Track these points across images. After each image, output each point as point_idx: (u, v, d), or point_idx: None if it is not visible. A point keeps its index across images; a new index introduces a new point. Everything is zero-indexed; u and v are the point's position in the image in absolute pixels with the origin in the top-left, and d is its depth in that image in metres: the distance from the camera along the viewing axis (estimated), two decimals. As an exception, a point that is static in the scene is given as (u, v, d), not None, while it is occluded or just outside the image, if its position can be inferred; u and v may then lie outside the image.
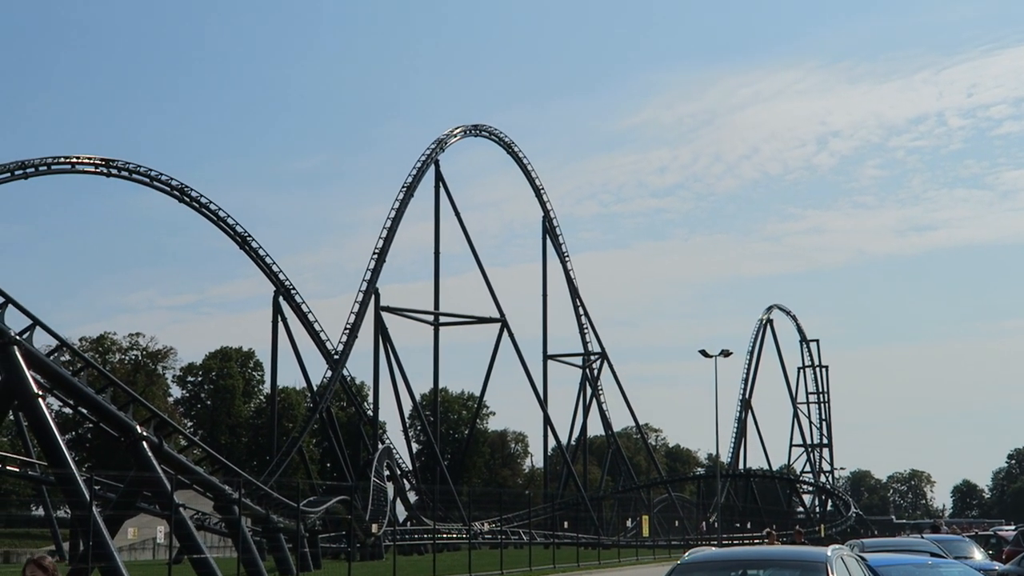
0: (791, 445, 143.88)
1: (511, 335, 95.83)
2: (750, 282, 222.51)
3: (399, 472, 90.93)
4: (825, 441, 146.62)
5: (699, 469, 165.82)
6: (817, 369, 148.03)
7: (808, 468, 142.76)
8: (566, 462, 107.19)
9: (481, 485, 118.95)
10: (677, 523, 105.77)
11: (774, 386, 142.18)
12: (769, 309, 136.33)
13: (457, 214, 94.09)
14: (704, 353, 63.29)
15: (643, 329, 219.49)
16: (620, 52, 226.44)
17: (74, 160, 73.82)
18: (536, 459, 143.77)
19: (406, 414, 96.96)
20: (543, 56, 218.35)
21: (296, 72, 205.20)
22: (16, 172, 69.93)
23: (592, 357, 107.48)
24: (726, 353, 63.65)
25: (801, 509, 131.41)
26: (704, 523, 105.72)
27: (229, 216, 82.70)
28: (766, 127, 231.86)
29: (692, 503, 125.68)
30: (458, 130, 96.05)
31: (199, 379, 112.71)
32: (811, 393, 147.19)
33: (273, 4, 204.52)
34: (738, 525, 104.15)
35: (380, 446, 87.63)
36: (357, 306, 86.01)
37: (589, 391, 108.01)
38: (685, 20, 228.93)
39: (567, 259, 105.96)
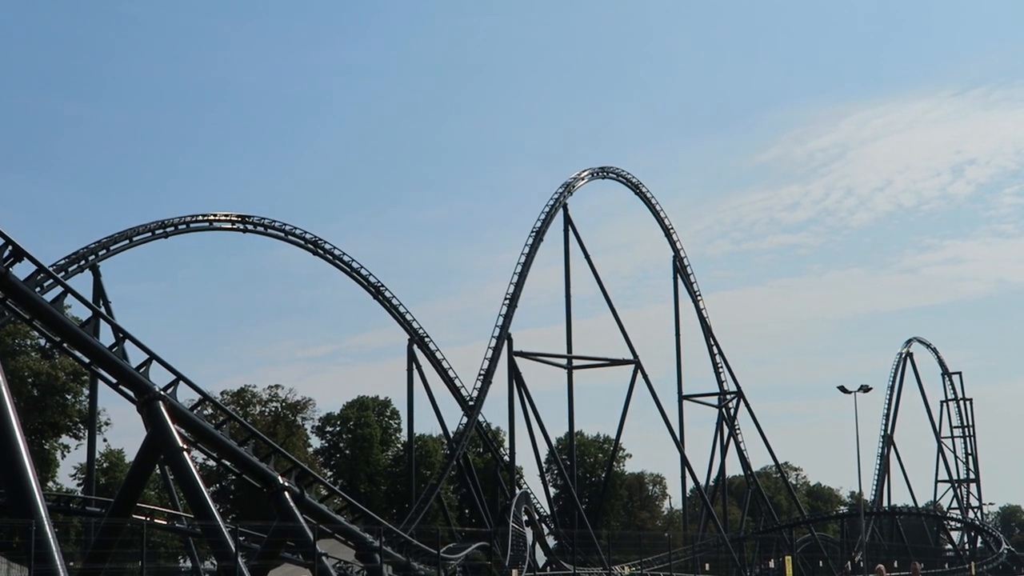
0: (936, 481, 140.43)
1: (645, 376, 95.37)
2: (888, 316, 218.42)
3: (537, 517, 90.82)
4: (972, 476, 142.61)
5: (842, 507, 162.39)
6: (961, 403, 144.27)
7: (955, 504, 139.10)
8: (705, 503, 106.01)
9: (620, 528, 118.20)
10: (821, 563, 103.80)
11: (916, 421, 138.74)
12: (908, 342, 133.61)
13: (587, 257, 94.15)
14: (843, 389, 62.23)
15: (779, 366, 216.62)
16: (748, 90, 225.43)
17: (212, 217, 75.62)
18: (674, 500, 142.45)
19: (542, 458, 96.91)
20: (670, 96, 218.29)
21: (424, 123, 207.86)
22: (156, 231, 71.81)
23: (728, 396, 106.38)
24: (865, 388, 62.49)
25: (949, 547, 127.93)
26: (849, 563, 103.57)
27: (363, 267, 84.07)
28: (899, 158, 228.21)
29: (836, 542, 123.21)
30: (585, 173, 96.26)
31: (337, 429, 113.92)
32: (955, 427, 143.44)
33: (397, 57, 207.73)
34: (882, 565, 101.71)
35: (518, 491, 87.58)
36: (490, 352, 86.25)
37: (726, 431, 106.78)
38: (813, 55, 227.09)
39: (699, 298, 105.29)
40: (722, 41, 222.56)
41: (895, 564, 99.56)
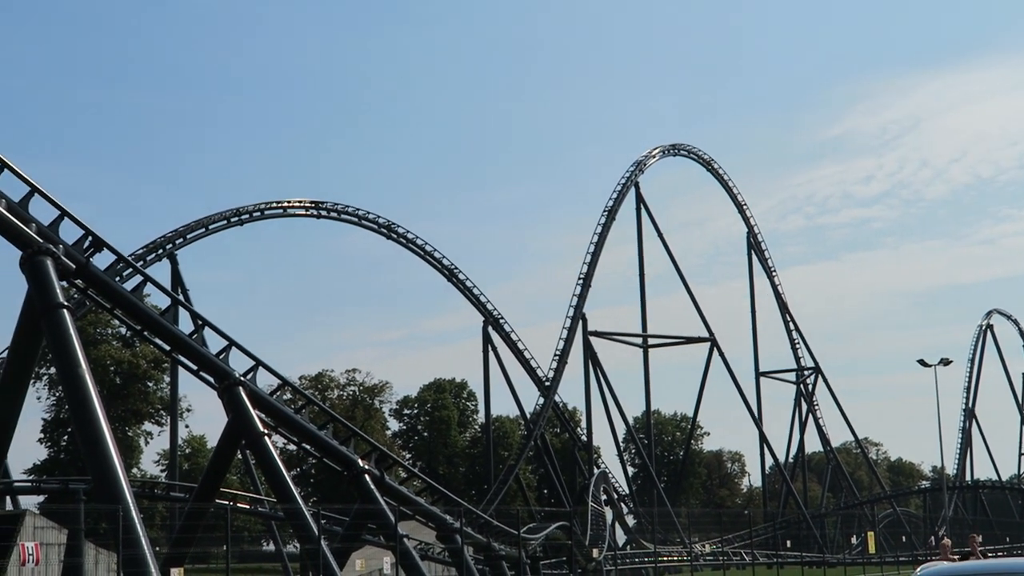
0: (1020, 453, 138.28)
1: (721, 354, 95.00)
2: (966, 288, 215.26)
3: (616, 496, 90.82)
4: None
5: (924, 482, 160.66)
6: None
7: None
8: (785, 480, 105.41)
9: (699, 506, 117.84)
10: (904, 539, 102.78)
11: (998, 393, 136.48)
12: (988, 314, 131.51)
13: (660, 235, 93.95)
14: (923, 363, 61.43)
15: (857, 341, 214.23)
16: (819, 63, 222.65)
17: (286, 204, 76.30)
18: (753, 478, 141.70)
19: (620, 437, 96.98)
20: (741, 71, 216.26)
21: (495, 105, 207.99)
22: (232, 219, 72.62)
23: (806, 372, 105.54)
24: (946, 362, 61.63)
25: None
26: (933, 538, 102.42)
27: (436, 250, 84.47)
28: (975, 128, 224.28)
29: (919, 517, 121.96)
30: (657, 150, 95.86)
31: (415, 411, 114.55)
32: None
33: (467, 39, 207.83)
34: (948, 540, 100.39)
35: (596, 471, 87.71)
36: (565, 332, 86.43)
37: (804, 407, 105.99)
38: (884, 26, 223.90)
39: (774, 274, 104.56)
40: (792, 14, 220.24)
41: (979, 539, 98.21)
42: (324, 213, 78.35)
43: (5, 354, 61.06)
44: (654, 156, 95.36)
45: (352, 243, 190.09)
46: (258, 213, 74.19)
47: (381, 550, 48.73)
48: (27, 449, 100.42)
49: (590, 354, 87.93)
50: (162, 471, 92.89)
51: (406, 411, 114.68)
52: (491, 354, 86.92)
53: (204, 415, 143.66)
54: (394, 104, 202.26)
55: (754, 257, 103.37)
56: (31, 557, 25.20)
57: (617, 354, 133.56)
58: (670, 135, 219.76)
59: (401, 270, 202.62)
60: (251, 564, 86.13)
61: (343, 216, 79.42)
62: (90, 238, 30.73)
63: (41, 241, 28.18)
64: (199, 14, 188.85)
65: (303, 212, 77.59)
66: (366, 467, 36.94)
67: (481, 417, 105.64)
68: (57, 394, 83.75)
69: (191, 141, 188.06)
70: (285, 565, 71.28)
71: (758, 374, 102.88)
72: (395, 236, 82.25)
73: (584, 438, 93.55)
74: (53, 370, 78.20)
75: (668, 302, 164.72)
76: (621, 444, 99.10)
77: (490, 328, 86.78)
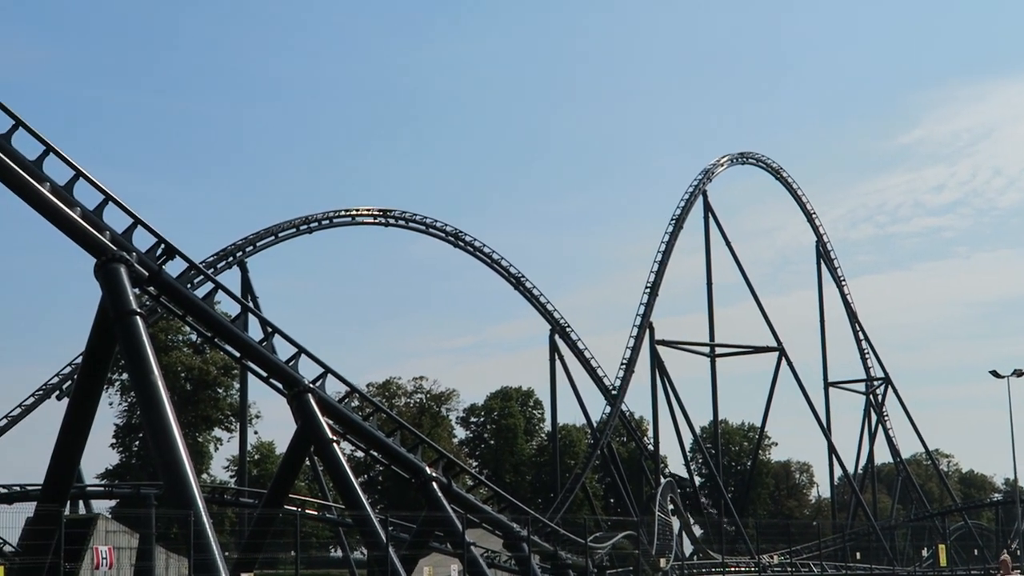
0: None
1: (790, 363, 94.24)
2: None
3: (683, 506, 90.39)
4: None
5: (996, 495, 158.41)
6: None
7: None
8: (854, 491, 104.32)
9: (767, 517, 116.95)
10: (976, 552, 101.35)
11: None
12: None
13: (728, 243, 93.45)
14: (995, 374, 60.61)
15: (928, 351, 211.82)
16: (890, 71, 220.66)
17: (354, 212, 76.75)
18: (822, 489, 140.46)
19: (687, 447, 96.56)
20: (810, 79, 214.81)
21: (559, 113, 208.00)
22: (301, 227, 73.17)
23: (875, 382, 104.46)
24: (1019, 373, 60.74)
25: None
26: (1005, 551, 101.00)
27: (503, 258, 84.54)
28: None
29: (991, 531, 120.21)
30: (725, 159, 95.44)
31: (481, 419, 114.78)
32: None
33: (536, 47, 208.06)
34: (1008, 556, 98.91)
35: (663, 480, 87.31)
36: (632, 341, 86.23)
37: (874, 417, 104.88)
38: (955, 33, 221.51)
39: (843, 283, 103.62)
40: (862, 21, 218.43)
41: (1008, 555, 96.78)
42: (392, 221, 78.72)
43: (79, 360, 62.11)
44: (722, 164, 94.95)
45: (419, 251, 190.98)
46: (327, 221, 74.69)
47: (448, 558, 48.87)
48: (99, 454, 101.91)
49: (657, 363, 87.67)
50: (231, 477, 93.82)
51: (473, 419, 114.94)
52: (558, 362, 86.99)
53: (273, 421, 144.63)
54: (462, 112, 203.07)
55: (823, 266, 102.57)
56: (104, 561, 25.51)
57: (684, 363, 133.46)
58: (738, 143, 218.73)
59: (468, 278, 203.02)
60: (318, 570, 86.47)
61: (411, 224, 79.76)
62: (162, 246, 31.12)
63: (115, 249, 28.57)
64: (270, 24, 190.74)
65: (371, 220, 78.01)
66: (433, 474, 37.08)
67: (547, 425, 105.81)
68: (129, 400, 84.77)
69: (261, 150, 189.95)
70: (352, 571, 71.46)
71: (827, 384, 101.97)
72: (462, 244, 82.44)
73: (651, 447, 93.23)
74: (125, 376, 79.36)
75: (736, 311, 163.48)
76: (688, 453, 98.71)
77: (557, 336, 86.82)
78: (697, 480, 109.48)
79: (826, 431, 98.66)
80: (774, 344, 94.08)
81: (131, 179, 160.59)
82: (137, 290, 29.34)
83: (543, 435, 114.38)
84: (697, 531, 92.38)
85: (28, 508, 38.12)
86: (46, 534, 26.00)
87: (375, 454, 38.12)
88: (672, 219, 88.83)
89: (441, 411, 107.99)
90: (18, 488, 51.98)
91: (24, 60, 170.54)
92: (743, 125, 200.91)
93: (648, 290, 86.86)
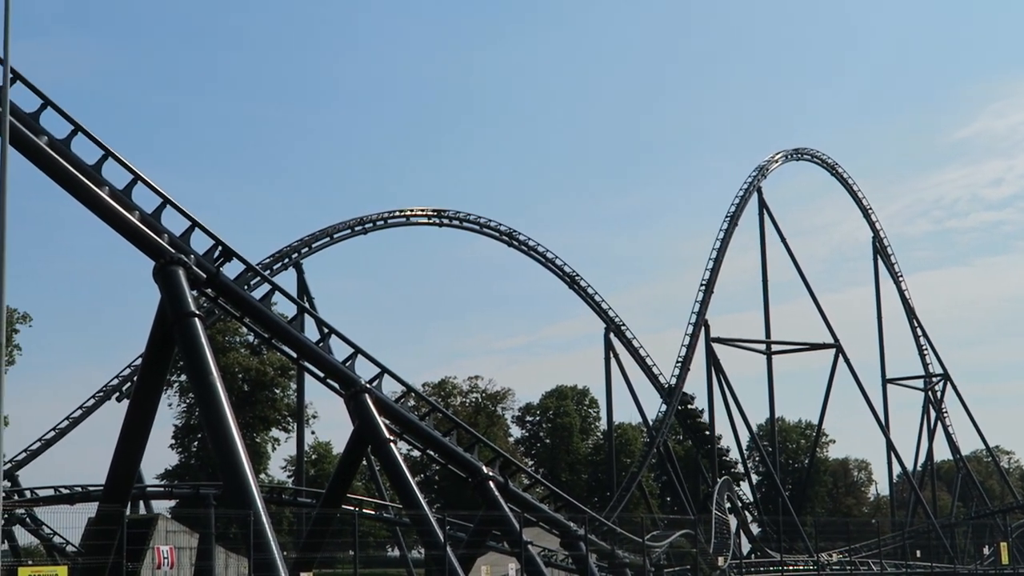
0: None
1: (847, 360, 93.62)
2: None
3: (740, 504, 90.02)
4: None
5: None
6: None
7: None
8: (913, 488, 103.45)
9: (825, 515, 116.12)
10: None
11: None
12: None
13: (783, 240, 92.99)
14: (1057, 369, 59.91)
15: (987, 347, 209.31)
16: (946, 65, 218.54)
17: (408, 213, 77.01)
18: (881, 486, 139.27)
19: (743, 445, 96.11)
20: (865, 74, 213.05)
21: (614, 111, 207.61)
22: (356, 228, 73.56)
23: (934, 379, 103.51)
24: (1082, 368, 59.96)
25: None
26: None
27: (557, 257, 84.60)
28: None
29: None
30: (779, 155, 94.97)
31: (537, 418, 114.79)
32: None
33: (587, 49, 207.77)
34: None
35: (719, 478, 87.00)
36: (688, 338, 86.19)
37: (933, 414, 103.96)
38: (1012, 26, 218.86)
39: (901, 279, 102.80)
40: (918, 15, 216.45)
41: None
42: (446, 221, 78.92)
43: (138, 362, 62.73)
44: (777, 161, 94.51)
45: (474, 251, 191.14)
46: (381, 222, 75.02)
47: (505, 556, 49.00)
48: (159, 455, 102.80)
49: (713, 361, 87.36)
50: (289, 477, 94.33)
51: (528, 418, 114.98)
52: (613, 361, 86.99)
53: (329, 421, 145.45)
54: (516, 111, 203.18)
55: (880, 262, 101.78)
56: (166, 560, 25.75)
57: (740, 360, 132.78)
58: (793, 139, 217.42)
59: (522, 277, 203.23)
60: (376, 569, 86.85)
61: (465, 224, 79.92)
62: (220, 248, 31.36)
63: (173, 251, 28.81)
64: (325, 27, 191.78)
65: (425, 220, 78.26)
66: (490, 474, 37.08)
67: (603, 424, 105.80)
68: (187, 401, 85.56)
69: (317, 152, 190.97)
70: (410, 570, 71.82)
71: (885, 381, 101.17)
72: (516, 244, 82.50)
73: (707, 445, 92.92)
74: (184, 377, 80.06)
75: (792, 308, 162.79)
76: (745, 451, 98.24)
77: (612, 335, 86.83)
78: (754, 478, 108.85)
79: (884, 428, 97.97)
80: (831, 341, 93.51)
81: (188, 182, 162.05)
82: (195, 292, 29.54)
83: (599, 434, 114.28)
84: (755, 529, 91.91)
85: (89, 509, 38.48)
86: (108, 534, 26.26)
87: (432, 453, 38.20)
88: (727, 216, 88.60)
89: (497, 410, 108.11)
90: (79, 489, 52.50)
91: (83, 66, 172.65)
92: (798, 121, 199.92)
93: (703, 288, 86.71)
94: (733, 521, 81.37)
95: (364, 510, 60.14)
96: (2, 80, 23.30)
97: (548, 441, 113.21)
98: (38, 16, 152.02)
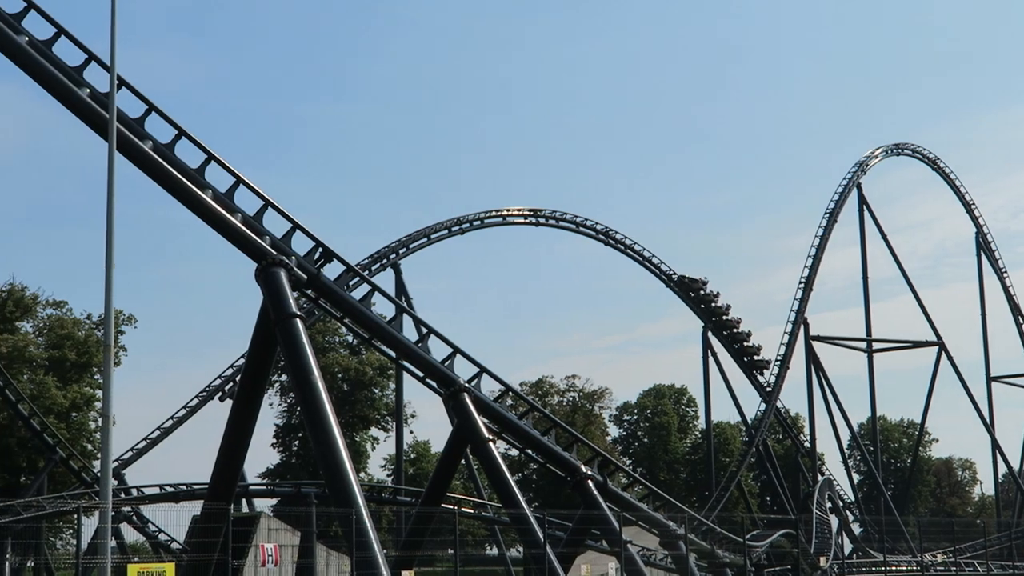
0: None
1: (950, 358, 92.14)
2: None
3: (841, 503, 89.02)
4: None
5: None
6: None
7: None
8: (1019, 488, 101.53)
9: (928, 515, 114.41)
10: None
11: None
12: None
13: (884, 237, 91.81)
14: None
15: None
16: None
17: (505, 212, 77.17)
18: (986, 486, 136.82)
19: (844, 444, 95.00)
20: (966, 67, 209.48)
21: (710, 108, 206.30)
22: (452, 228, 73.87)
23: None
24: None
25: None
26: None
27: (654, 255, 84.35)
28: None
29: None
30: (879, 151, 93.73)
31: (634, 417, 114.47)
32: None
33: (681, 41, 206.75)
34: None
35: (820, 477, 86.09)
36: (787, 337, 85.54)
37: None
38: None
39: (1005, 275, 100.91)
40: (1016, 4, 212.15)
41: None
42: (542, 221, 78.95)
43: (240, 362, 63.66)
44: (876, 156, 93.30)
45: (570, 249, 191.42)
46: (478, 222, 75.25)
47: (604, 556, 48.93)
48: (260, 453, 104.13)
49: (813, 359, 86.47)
50: (388, 475, 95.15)
51: (626, 417, 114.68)
52: (711, 359, 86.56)
53: (427, 421, 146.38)
54: (611, 109, 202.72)
55: (984, 258, 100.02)
56: (270, 558, 26.11)
57: (841, 359, 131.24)
58: (893, 134, 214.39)
59: (619, 276, 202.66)
60: (475, 568, 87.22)
61: (561, 223, 79.92)
62: (320, 249, 31.76)
63: (275, 253, 29.23)
64: (420, 28, 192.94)
65: (522, 220, 78.34)
66: (589, 473, 37.11)
67: (701, 423, 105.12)
68: (288, 400, 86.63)
69: (413, 153, 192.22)
70: (508, 569, 72.03)
71: (989, 379, 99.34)
72: (613, 242, 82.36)
73: (807, 444, 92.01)
74: (284, 377, 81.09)
75: (893, 305, 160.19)
76: (846, 451, 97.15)
77: (710, 333, 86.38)
78: (856, 478, 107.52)
79: (989, 427, 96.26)
80: (934, 338, 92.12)
81: (289, 184, 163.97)
82: (296, 293, 29.95)
83: (697, 433, 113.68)
84: (856, 529, 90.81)
85: (193, 507, 39.12)
86: (212, 532, 26.70)
87: (531, 453, 38.32)
88: (826, 213, 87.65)
89: (594, 409, 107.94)
90: (184, 487, 53.40)
91: (185, 72, 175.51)
92: (898, 116, 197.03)
93: (802, 285, 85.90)
94: (834, 521, 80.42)
95: (463, 509, 60.45)
96: (109, 87, 23.80)
97: (646, 440, 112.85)
98: (141, 24, 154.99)
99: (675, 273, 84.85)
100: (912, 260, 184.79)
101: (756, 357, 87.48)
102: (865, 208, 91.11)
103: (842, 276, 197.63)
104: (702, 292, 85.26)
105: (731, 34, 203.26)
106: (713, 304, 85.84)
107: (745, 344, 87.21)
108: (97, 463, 67.52)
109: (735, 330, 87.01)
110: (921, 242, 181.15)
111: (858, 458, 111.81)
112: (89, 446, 72.81)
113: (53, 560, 60.07)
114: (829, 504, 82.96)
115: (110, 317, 23.37)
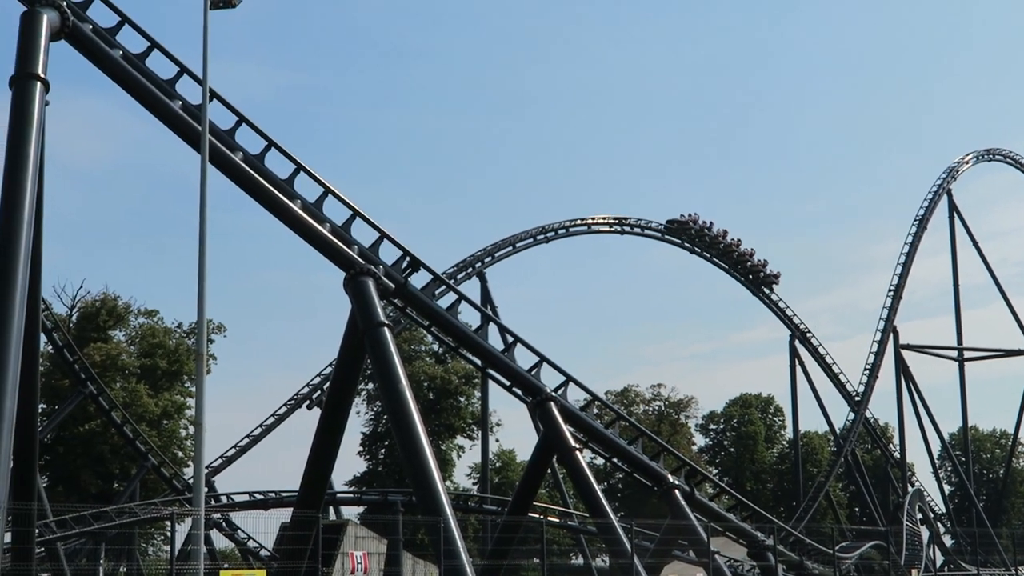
0: None
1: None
2: None
3: (932, 515, 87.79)
4: None
5: None
6: None
7: None
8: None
9: (1021, 527, 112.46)
10: None
11: None
12: None
13: (975, 243, 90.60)
14: None
15: None
16: None
17: (590, 221, 77.17)
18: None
19: (935, 454, 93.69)
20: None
21: (795, 114, 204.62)
22: (538, 237, 73.98)
23: None
24: None
25: None
26: None
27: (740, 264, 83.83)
28: None
29: None
30: (970, 156, 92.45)
31: (721, 426, 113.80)
32: None
33: (771, 47, 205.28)
34: None
35: (910, 488, 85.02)
36: (875, 345, 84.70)
37: None
38: None
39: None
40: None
41: None
42: (628, 229, 78.93)
43: (328, 370, 64.23)
44: (967, 162, 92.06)
45: (655, 257, 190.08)
46: (563, 231, 75.33)
47: (691, 566, 48.64)
48: (347, 461, 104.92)
49: (902, 368, 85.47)
50: (474, 484, 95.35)
51: (712, 426, 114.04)
52: (798, 368, 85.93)
53: (512, 429, 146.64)
54: (694, 117, 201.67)
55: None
56: (360, 565, 26.29)
57: (931, 368, 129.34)
58: (985, 140, 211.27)
59: (705, 284, 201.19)
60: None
61: (647, 231, 79.85)
62: (407, 258, 31.94)
63: (363, 262, 29.45)
64: (501, 36, 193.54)
65: (607, 228, 78.33)
66: (676, 482, 36.93)
67: (789, 432, 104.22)
68: (375, 408, 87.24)
69: (498, 162, 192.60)
70: (594, 579, 71.90)
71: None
72: (698, 250, 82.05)
73: (897, 455, 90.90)
74: (371, 385, 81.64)
75: (985, 313, 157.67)
76: (936, 461, 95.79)
77: (797, 342, 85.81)
78: (947, 488, 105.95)
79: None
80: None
81: (376, 194, 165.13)
82: (384, 302, 30.14)
83: (784, 442, 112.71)
84: (948, 541, 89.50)
85: (281, 514, 39.47)
86: (302, 539, 26.95)
87: (617, 462, 38.22)
88: (915, 220, 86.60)
89: (680, 418, 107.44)
90: (273, 495, 53.94)
91: (273, 83, 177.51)
92: (989, 121, 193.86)
93: (891, 293, 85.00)
94: (925, 533, 79.36)
95: (549, 518, 60.42)
96: (202, 100, 24.18)
97: (732, 450, 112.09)
98: (229, 36, 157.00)
99: (751, 274, 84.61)
100: (1004, 267, 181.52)
101: (762, 273, 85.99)
102: (955, 214, 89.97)
103: (932, 284, 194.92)
104: (693, 230, 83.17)
105: (819, 40, 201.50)
106: (708, 235, 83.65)
107: (750, 263, 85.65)
108: (187, 470, 68.52)
109: (738, 252, 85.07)
110: (1013, 249, 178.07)
111: (949, 469, 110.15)
112: (179, 453, 73.97)
113: (145, 566, 61.01)
114: (920, 515, 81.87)
115: (203, 326, 23.70)
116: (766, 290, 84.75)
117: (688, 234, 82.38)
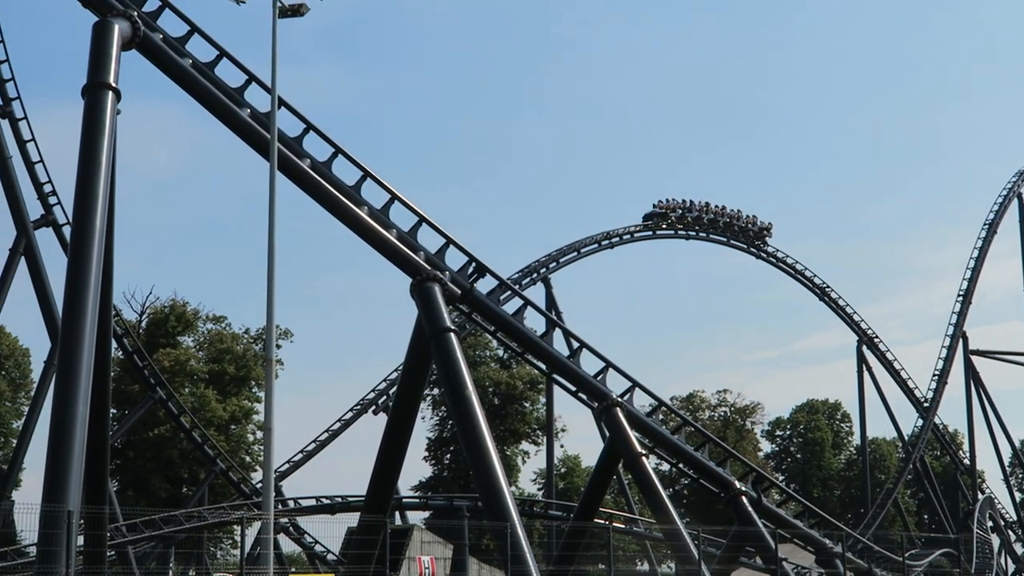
0: None
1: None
2: None
3: (1003, 523, 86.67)
4: None
5: None
6: None
7: None
8: None
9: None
10: None
11: None
12: None
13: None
14: None
15: None
16: None
17: (654, 226, 77.05)
18: None
19: (1006, 462, 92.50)
20: None
21: (863, 116, 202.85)
22: (603, 243, 74.00)
23: None
24: None
25: None
26: None
27: (807, 268, 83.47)
28: None
29: None
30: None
31: (787, 432, 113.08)
32: None
33: (841, 50, 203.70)
34: None
35: (980, 496, 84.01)
36: (945, 351, 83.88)
37: None
38: None
39: None
40: None
41: None
42: (692, 234, 78.71)
43: (394, 375, 64.54)
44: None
45: (721, 262, 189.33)
46: (628, 236, 75.30)
47: (758, 573, 48.35)
48: (412, 466, 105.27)
49: (972, 374, 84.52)
50: (539, 489, 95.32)
51: (778, 432, 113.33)
52: (866, 374, 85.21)
53: (577, 435, 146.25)
54: (761, 122, 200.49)
55: None
56: (427, 570, 26.38)
57: (1002, 374, 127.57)
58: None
59: (771, 289, 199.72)
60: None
61: (712, 236, 79.60)
62: (473, 264, 32.05)
63: (429, 268, 29.58)
64: (565, 43, 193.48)
65: (672, 234, 78.19)
66: (743, 489, 36.74)
67: (856, 439, 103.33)
68: (440, 414, 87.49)
69: (564, 167, 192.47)
70: (661, 586, 71.65)
71: None
72: (764, 255, 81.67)
73: (967, 462, 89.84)
74: (436, 390, 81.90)
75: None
76: (1007, 468, 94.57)
77: (864, 347, 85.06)
78: (1018, 496, 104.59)
79: None
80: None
81: (441, 200, 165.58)
82: (450, 307, 30.24)
83: (852, 449, 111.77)
84: (1019, 549, 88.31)
85: (348, 519, 39.69)
86: (369, 543, 27.08)
87: (683, 468, 38.09)
88: (985, 224, 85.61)
89: (746, 424, 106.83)
90: (339, 499, 54.23)
91: (341, 91, 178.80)
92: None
93: (961, 298, 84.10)
94: (996, 540, 78.40)
95: (615, 524, 60.24)
96: (270, 107, 24.43)
97: (799, 456, 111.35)
98: (295, 43, 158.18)
99: (829, 286, 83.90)
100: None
101: (754, 228, 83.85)
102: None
103: (1003, 289, 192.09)
104: (673, 217, 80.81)
105: (890, 41, 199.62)
106: (690, 215, 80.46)
107: (739, 224, 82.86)
108: (255, 475, 69.10)
109: (725, 217, 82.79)
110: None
111: (1020, 476, 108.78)
112: (247, 458, 74.57)
113: (213, 569, 61.58)
114: (990, 523, 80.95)
115: (271, 331, 23.95)
116: (832, 295, 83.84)
117: (670, 220, 79.56)
